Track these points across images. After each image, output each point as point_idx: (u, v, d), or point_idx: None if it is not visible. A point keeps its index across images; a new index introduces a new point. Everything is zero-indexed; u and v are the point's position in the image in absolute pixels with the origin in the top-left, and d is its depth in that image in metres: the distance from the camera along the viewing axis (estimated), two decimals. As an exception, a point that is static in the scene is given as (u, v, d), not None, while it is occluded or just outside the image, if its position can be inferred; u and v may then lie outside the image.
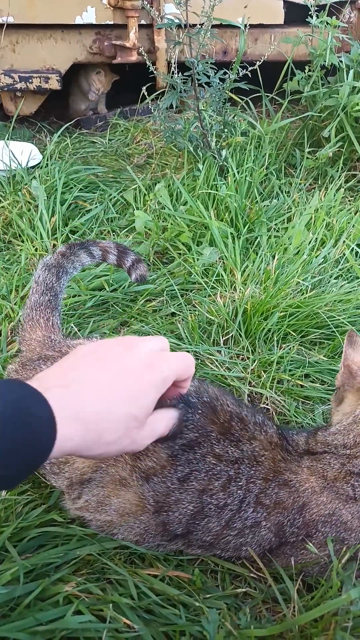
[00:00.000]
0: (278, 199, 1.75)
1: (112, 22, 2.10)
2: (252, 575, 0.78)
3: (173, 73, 1.64)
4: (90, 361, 0.59)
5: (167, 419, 0.63)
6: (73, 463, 0.76)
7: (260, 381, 1.09)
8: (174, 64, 1.71)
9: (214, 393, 0.78)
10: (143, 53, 1.69)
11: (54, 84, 2.14)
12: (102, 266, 1.41)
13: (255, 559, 0.74)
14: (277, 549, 0.74)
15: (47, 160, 1.87)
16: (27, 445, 0.49)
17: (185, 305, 1.31)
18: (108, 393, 0.56)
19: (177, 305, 1.31)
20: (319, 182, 1.88)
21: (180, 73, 1.65)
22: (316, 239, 1.51)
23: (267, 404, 1.06)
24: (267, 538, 0.73)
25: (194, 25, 1.59)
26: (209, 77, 1.59)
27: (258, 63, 1.66)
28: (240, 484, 0.71)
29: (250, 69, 1.63)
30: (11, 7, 1.97)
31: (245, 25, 1.74)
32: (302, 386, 1.10)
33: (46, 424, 0.50)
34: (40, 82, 2.12)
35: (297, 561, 0.74)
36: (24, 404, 0.50)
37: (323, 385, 1.12)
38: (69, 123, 2.18)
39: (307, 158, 1.89)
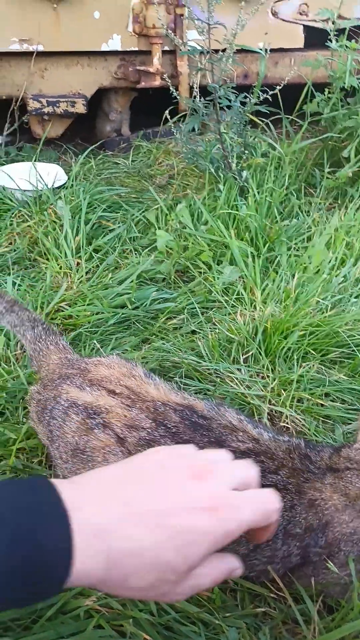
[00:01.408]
0: (298, 219, 1.76)
1: (136, 49, 2.18)
2: (272, 595, 0.77)
3: (195, 97, 1.69)
4: (144, 479, 0.48)
5: (217, 571, 0.49)
6: None
7: (280, 400, 1.10)
8: (196, 88, 1.76)
9: (231, 424, 0.77)
10: (166, 78, 1.74)
11: (80, 107, 2.21)
12: (124, 284, 1.44)
13: (276, 579, 0.74)
14: (299, 569, 0.74)
15: (72, 181, 1.93)
16: (32, 574, 0.41)
17: (206, 323, 1.33)
18: (148, 531, 0.45)
19: (198, 323, 1.33)
20: (339, 202, 1.90)
21: (202, 97, 1.70)
22: (336, 258, 1.51)
23: (287, 423, 1.06)
24: (295, 561, 0.73)
25: (216, 50, 1.63)
26: (230, 101, 1.63)
27: (278, 87, 1.69)
28: None
29: (270, 93, 1.66)
30: (41, 35, 2.05)
31: (266, 51, 1.78)
32: (322, 405, 1.10)
33: (61, 555, 0.42)
34: (67, 107, 2.19)
35: (318, 581, 0.73)
36: (45, 529, 0.42)
37: (343, 404, 1.12)
38: (94, 145, 2.24)
39: (327, 178, 1.91)
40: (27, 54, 2.09)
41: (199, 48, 1.57)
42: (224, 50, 1.60)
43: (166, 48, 2.19)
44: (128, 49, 2.17)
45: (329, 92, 1.97)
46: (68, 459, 0.78)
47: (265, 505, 0.49)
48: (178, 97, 1.70)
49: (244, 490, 0.50)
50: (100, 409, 0.78)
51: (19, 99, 2.16)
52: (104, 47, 2.14)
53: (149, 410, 0.78)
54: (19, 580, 0.40)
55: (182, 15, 2.07)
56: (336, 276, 1.44)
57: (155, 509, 0.46)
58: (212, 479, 0.48)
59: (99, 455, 0.75)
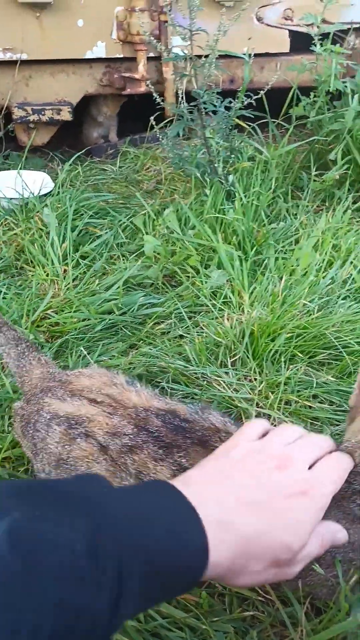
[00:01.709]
0: (285, 222, 1.77)
1: (121, 56, 2.19)
2: (259, 598, 0.77)
3: (180, 103, 1.70)
4: (242, 474, 0.54)
5: (320, 536, 0.57)
6: None
7: (268, 402, 1.09)
8: (182, 94, 1.77)
9: (214, 425, 0.77)
10: (150, 86, 1.75)
11: (66, 115, 2.21)
12: (111, 290, 1.43)
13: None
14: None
15: (59, 188, 1.93)
16: (174, 575, 0.46)
17: (193, 328, 1.33)
18: (260, 517, 0.51)
19: (185, 328, 1.33)
20: (327, 204, 1.90)
21: (187, 102, 1.70)
22: (324, 260, 1.52)
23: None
24: None
25: (201, 56, 1.64)
26: (215, 106, 1.64)
27: (263, 92, 1.70)
28: None
29: (254, 97, 1.67)
30: (25, 44, 2.06)
31: (250, 56, 1.80)
32: (310, 407, 1.10)
33: (200, 555, 0.46)
34: (52, 114, 2.20)
35: (306, 583, 0.73)
36: (182, 529, 0.46)
37: (331, 406, 1.12)
38: (80, 152, 2.25)
39: (314, 181, 1.92)
40: (11, 63, 2.09)
41: (182, 54, 1.58)
42: (207, 57, 1.60)
43: (151, 54, 2.20)
44: (113, 56, 2.18)
45: (315, 96, 1.99)
46: (51, 470, 0.78)
47: (338, 470, 0.60)
48: (162, 103, 1.70)
49: (319, 466, 0.58)
50: (82, 419, 0.78)
51: (4, 108, 2.16)
52: (89, 55, 2.15)
53: (130, 416, 0.78)
54: (170, 576, 0.45)
55: (166, 21, 2.08)
56: (323, 278, 1.44)
57: (259, 499, 0.52)
58: (293, 466, 0.56)
59: (82, 465, 0.75)
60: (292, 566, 0.54)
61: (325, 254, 1.54)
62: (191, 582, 0.48)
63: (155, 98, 1.71)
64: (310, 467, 0.58)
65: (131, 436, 0.75)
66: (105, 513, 0.44)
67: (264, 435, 0.62)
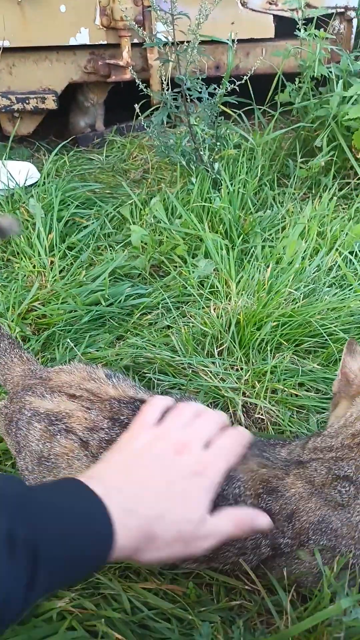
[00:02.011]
0: (272, 210, 1.76)
1: (105, 42, 2.15)
2: (246, 587, 0.77)
3: (165, 90, 1.67)
4: (145, 462, 0.62)
5: (234, 517, 0.64)
6: None
7: (255, 391, 1.10)
8: (167, 80, 1.74)
9: None
10: (133, 72, 1.73)
11: (51, 104, 2.18)
12: (98, 281, 1.42)
13: (248, 571, 0.74)
14: (272, 561, 0.74)
15: (45, 179, 1.91)
16: (85, 558, 0.53)
17: (180, 318, 1.32)
18: (164, 499, 0.59)
19: (172, 318, 1.33)
20: (313, 192, 1.90)
21: (172, 89, 1.68)
22: (309, 247, 1.52)
23: (261, 414, 1.06)
24: (265, 552, 0.73)
25: (184, 42, 1.62)
26: (199, 92, 1.62)
27: (246, 77, 1.68)
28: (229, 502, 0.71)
29: (238, 83, 1.65)
30: (6, 31, 2.02)
31: (234, 41, 1.77)
32: (296, 395, 1.11)
33: (106, 539, 0.53)
34: (37, 103, 2.16)
35: (291, 572, 0.73)
36: (90, 518, 0.53)
37: (317, 393, 1.12)
38: (66, 141, 2.22)
39: (301, 168, 1.91)
40: (-7, 50, 2.05)
41: (164, 40, 1.55)
42: (189, 42, 1.58)
43: (136, 41, 2.17)
44: (97, 43, 2.14)
45: (300, 82, 1.97)
46: (34, 468, 0.78)
47: (231, 447, 0.66)
48: (145, 90, 1.68)
49: (213, 444, 0.65)
50: (62, 415, 0.78)
51: (-12, 97, 2.12)
52: (72, 42, 2.11)
53: (106, 409, 0.78)
54: (81, 559, 0.53)
55: (149, 6, 2.04)
56: (309, 266, 1.44)
57: (159, 484, 0.60)
58: (189, 450, 0.64)
59: (62, 462, 0.75)
60: (199, 540, 0.61)
61: (312, 241, 1.53)
62: (100, 563, 0.56)
63: (139, 85, 1.68)
64: (208, 445, 0.66)
65: (107, 430, 0.75)
66: (21, 505, 0.51)
67: (164, 414, 0.69)
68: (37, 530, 0.49)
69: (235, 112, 2.03)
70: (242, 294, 1.34)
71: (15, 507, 0.50)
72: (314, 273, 1.42)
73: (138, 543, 0.56)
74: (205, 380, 1.12)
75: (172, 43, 1.51)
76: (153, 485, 0.59)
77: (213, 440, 0.66)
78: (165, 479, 0.60)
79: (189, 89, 1.57)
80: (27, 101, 2.15)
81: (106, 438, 0.75)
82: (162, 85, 1.75)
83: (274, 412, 1.06)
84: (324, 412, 1.07)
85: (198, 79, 1.58)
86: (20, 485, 0.55)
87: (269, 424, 1.05)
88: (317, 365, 1.16)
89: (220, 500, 0.68)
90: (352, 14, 2.36)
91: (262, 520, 0.66)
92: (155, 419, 0.68)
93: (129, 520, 0.55)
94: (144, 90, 1.66)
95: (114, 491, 0.56)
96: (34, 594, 0.48)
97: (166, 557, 0.60)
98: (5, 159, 1.93)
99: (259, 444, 0.78)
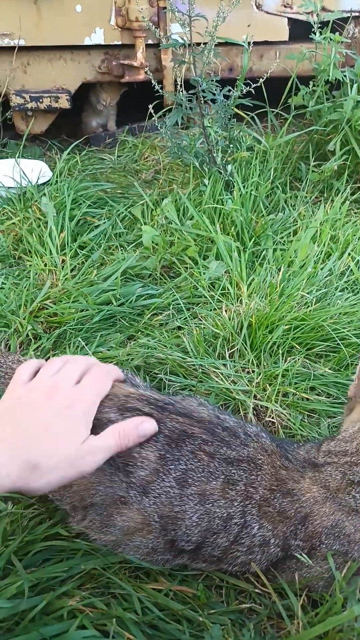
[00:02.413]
0: (284, 213, 1.76)
1: (120, 43, 2.15)
2: (256, 590, 0.77)
3: (179, 91, 1.68)
4: (18, 413, 0.69)
5: (117, 429, 0.71)
6: (71, 487, 0.77)
7: (266, 394, 1.09)
8: (180, 81, 1.75)
9: (190, 406, 0.80)
10: (149, 73, 1.73)
11: (64, 103, 2.19)
12: (109, 280, 1.42)
13: (259, 574, 0.73)
14: (282, 564, 0.74)
15: (57, 177, 1.91)
16: None
17: (191, 319, 1.32)
18: (39, 434, 0.66)
19: (183, 319, 1.33)
20: (325, 195, 1.89)
21: (186, 91, 1.68)
22: (322, 251, 1.51)
23: (272, 417, 1.06)
24: (275, 553, 0.73)
25: (200, 44, 1.62)
26: (214, 94, 1.62)
27: (261, 80, 1.68)
28: (238, 488, 0.71)
29: (253, 86, 1.65)
30: (22, 30, 2.03)
31: (249, 43, 1.77)
32: (307, 399, 1.10)
33: None
34: (50, 102, 2.17)
35: (302, 576, 0.73)
36: None
37: (329, 398, 1.12)
38: (79, 140, 2.22)
39: (313, 171, 1.91)
40: (8, 49, 2.06)
41: (181, 41, 1.56)
42: (206, 44, 1.58)
43: (150, 41, 2.17)
44: (111, 43, 2.15)
45: (314, 85, 1.97)
46: None
47: (99, 378, 0.75)
48: (160, 90, 1.68)
49: (82, 380, 0.74)
50: None
51: (2, 95, 2.13)
52: (87, 41, 2.12)
53: (112, 400, 0.79)
54: None
55: (165, 7, 2.05)
56: (321, 270, 1.44)
57: (34, 424, 0.67)
58: (59, 390, 0.71)
59: None
60: (85, 457, 0.67)
61: (324, 245, 1.53)
62: None
63: (154, 86, 1.68)
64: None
65: (114, 421, 0.75)
66: None
67: (36, 373, 0.76)
68: None
69: (248, 115, 2.03)
70: (253, 296, 1.34)
71: None
72: (326, 277, 1.42)
73: (21, 471, 0.62)
74: (217, 382, 1.12)
75: (189, 44, 1.51)
76: (28, 427, 0.66)
77: (84, 376, 0.74)
78: (41, 417, 0.68)
79: (203, 91, 1.57)
80: (40, 100, 2.16)
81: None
82: (175, 87, 1.75)
83: (285, 415, 1.06)
84: (335, 417, 1.07)
85: (213, 80, 1.58)
86: None
87: (279, 427, 1.05)
88: (329, 369, 1.16)
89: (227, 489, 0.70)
90: (367, 18, 2.35)
91: (146, 425, 0.73)
92: (28, 377, 0.75)
93: (7, 454, 0.62)
94: (159, 90, 1.66)
95: None
96: None
97: (56, 480, 0.65)
98: (18, 157, 1.94)
99: (283, 444, 0.78)
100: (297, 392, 1.10)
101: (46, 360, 0.83)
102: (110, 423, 0.75)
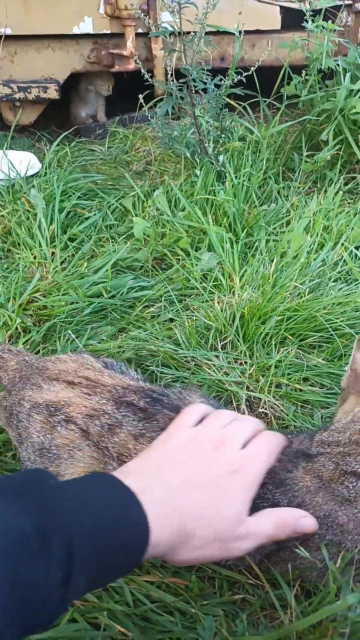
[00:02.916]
0: (277, 203, 1.75)
1: (109, 32, 2.12)
2: (249, 581, 0.77)
3: (169, 80, 1.65)
4: (182, 458, 0.61)
5: (275, 518, 0.62)
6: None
7: (259, 386, 1.09)
8: (171, 71, 1.72)
9: (187, 398, 0.79)
10: (139, 62, 1.70)
11: (53, 93, 2.15)
12: (100, 273, 1.41)
13: (253, 566, 0.73)
14: (276, 556, 0.73)
15: (46, 169, 1.89)
16: (119, 555, 0.50)
17: (184, 311, 1.31)
18: (201, 494, 0.57)
19: (175, 311, 1.31)
20: (318, 186, 1.88)
21: (177, 80, 1.66)
22: (315, 242, 1.50)
23: (265, 409, 1.05)
24: (268, 545, 0.72)
25: (191, 32, 1.59)
26: (205, 83, 1.60)
27: (253, 68, 1.67)
28: None
29: (245, 74, 1.63)
30: (9, 18, 1.99)
31: (240, 32, 1.75)
32: (300, 390, 1.10)
33: (141, 534, 0.51)
34: (38, 92, 2.14)
35: (295, 566, 0.73)
36: (124, 513, 0.51)
37: (322, 388, 1.11)
38: (68, 131, 2.20)
39: (306, 161, 1.89)
40: (-5, 38, 2.03)
41: (170, 29, 1.53)
42: (196, 32, 1.56)
43: (140, 30, 2.14)
44: (101, 32, 2.12)
45: (306, 74, 1.95)
46: (36, 459, 0.78)
47: (268, 447, 0.65)
48: (151, 80, 1.66)
49: (250, 445, 0.64)
50: (61, 404, 0.78)
51: (-11, 85, 2.10)
52: (76, 30, 2.09)
53: (110, 393, 0.78)
54: (115, 555, 0.50)
55: (155, -5, 2.02)
56: (314, 260, 1.43)
57: (196, 479, 0.58)
58: (227, 447, 0.63)
59: (64, 453, 0.75)
60: (237, 541, 0.59)
61: (317, 235, 1.52)
62: (136, 560, 0.52)
63: (144, 75, 1.66)
64: (244, 447, 0.64)
65: (110, 414, 0.75)
66: (51, 499, 0.48)
67: (202, 420, 0.68)
68: (70, 525, 0.47)
69: (240, 105, 2.01)
70: (246, 287, 1.33)
71: (45, 500, 0.47)
72: (319, 267, 1.41)
73: (173, 541, 0.54)
74: (209, 373, 1.11)
75: (179, 33, 1.48)
76: (189, 481, 0.58)
77: (250, 441, 0.65)
78: (203, 475, 0.59)
79: (194, 80, 1.55)
80: (28, 90, 2.13)
81: (109, 423, 0.74)
82: (166, 76, 1.73)
83: (278, 406, 1.05)
84: (328, 407, 1.06)
85: (204, 69, 1.56)
86: (49, 478, 0.52)
87: (273, 418, 1.04)
88: (322, 360, 1.16)
89: None
90: (360, 6, 2.33)
91: (306, 522, 0.64)
92: (194, 422, 0.67)
93: (163, 516, 0.53)
94: (149, 80, 1.64)
95: (148, 487, 0.54)
96: (70, 592, 0.45)
97: (202, 557, 0.58)
98: (6, 149, 1.91)
99: None
100: (290, 383, 1.10)
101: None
102: (106, 416, 0.75)
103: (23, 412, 0.80)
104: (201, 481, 0.58)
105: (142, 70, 1.65)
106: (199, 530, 0.56)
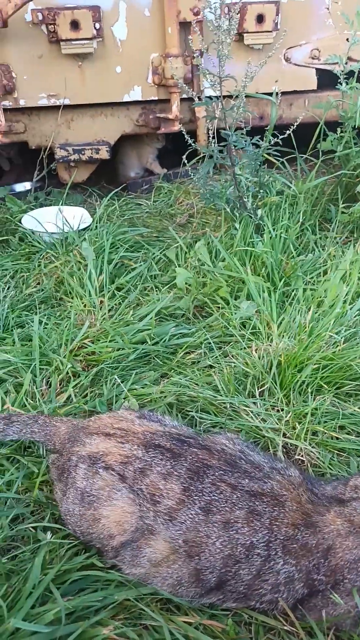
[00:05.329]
0: (314, 253, 1.81)
1: (156, 98, 2.31)
2: (285, 628, 0.79)
3: (210, 143, 1.78)
4: None
5: None
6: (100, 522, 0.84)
7: (295, 433, 1.12)
8: (213, 133, 1.86)
9: (214, 441, 0.88)
10: (182, 129, 1.84)
11: (104, 154, 2.34)
12: (144, 320, 1.50)
13: (287, 610, 0.75)
14: (308, 601, 0.75)
15: (97, 223, 2.04)
16: None
17: (222, 358, 1.37)
18: None
19: (214, 358, 1.37)
20: (355, 236, 1.93)
21: (218, 138, 1.79)
22: (351, 291, 1.54)
23: (301, 456, 1.08)
24: (299, 590, 0.74)
25: (231, 96, 1.73)
26: (244, 144, 1.72)
27: (292, 128, 1.77)
28: (263, 521, 0.75)
29: (281, 137, 1.74)
30: (67, 90, 2.21)
31: (277, 95, 1.87)
32: (337, 438, 1.12)
33: None
34: (91, 153, 2.33)
35: (328, 613, 0.74)
36: None
37: (358, 437, 1.13)
38: (118, 189, 2.36)
39: (342, 213, 1.96)
40: (54, 108, 2.25)
41: (212, 98, 1.67)
42: (237, 97, 1.69)
43: (184, 95, 2.31)
44: (148, 99, 2.31)
45: (342, 131, 2.04)
46: (75, 506, 0.87)
47: None
48: (193, 144, 1.79)
49: None
50: (100, 454, 0.88)
51: (47, 148, 2.31)
52: (126, 98, 2.28)
53: (139, 439, 0.88)
54: None
55: (198, 65, 2.20)
56: (350, 309, 1.47)
57: None
58: None
59: (103, 494, 0.84)
60: None
61: (353, 285, 1.56)
62: None
63: (187, 140, 1.80)
64: None
65: (141, 457, 0.84)
66: None
67: None
68: None
69: (277, 160, 2.12)
70: (283, 335, 1.38)
71: None
72: (355, 317, 1.45)
73: None
74: (246, 420, 1.15)
75: (219, 101, 1.61)
76: None
77: None
78: None
79: (234, 142, 1.67)
80: (82, 152, 2.33)
81: (140, 467, 0.83)
82: (208, 137, 1.86)
83: (314, 454, 1.08)
84: (364, 456, 1.08)
85: (243, 133, 1.68)
86: None
87: (309, 465, 1.06)
88: (358, 408, 1.18)
89: (251, 518, 0.73)
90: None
91: None
92: None
93: None
94: (192, 144, 1.77)
95: None
96: None
97: None
98: (61, 205, 2.08)
99: (311, 479, 0.82)
100: (327, 431, 1.12)
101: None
102: (137, 460, 0.84)
103: (72, 466, 0.91)
104: None
105: (185, 136, 1.78)
106: None
